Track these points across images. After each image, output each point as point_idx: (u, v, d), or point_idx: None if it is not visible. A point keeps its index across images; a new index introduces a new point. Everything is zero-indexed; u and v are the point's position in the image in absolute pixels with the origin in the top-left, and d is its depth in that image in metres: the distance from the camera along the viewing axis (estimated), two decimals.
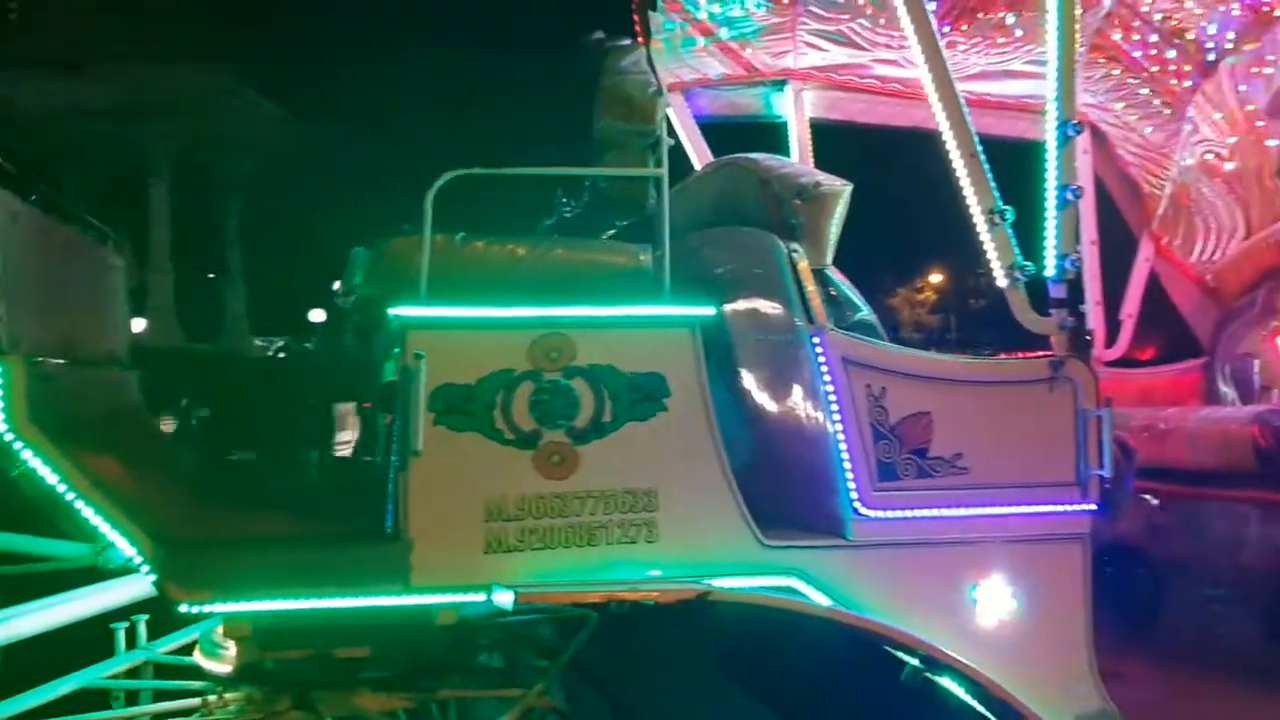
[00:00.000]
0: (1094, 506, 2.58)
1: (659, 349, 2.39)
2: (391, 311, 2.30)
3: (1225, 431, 3.21)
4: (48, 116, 16.04)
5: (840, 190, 2.56)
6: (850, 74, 4.03)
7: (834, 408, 2.45)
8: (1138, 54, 4.26)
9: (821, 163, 3.93)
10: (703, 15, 3.78)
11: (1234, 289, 4.19)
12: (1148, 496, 3.51)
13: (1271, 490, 3.11)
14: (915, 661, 2.50)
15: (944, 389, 2.54)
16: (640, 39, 3.68)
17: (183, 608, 2.21)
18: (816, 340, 2.46)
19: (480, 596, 2.28)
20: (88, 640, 3.04)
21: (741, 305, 2.64)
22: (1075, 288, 2.60)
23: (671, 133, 3.84)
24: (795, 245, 2.52)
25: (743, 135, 4.10)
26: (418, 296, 2.31)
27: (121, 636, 2.90)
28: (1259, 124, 4.19)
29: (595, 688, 3.22)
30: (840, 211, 2.58)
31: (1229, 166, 4.28)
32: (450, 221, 2.48)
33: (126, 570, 2.65)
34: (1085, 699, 2.58)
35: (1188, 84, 4.32)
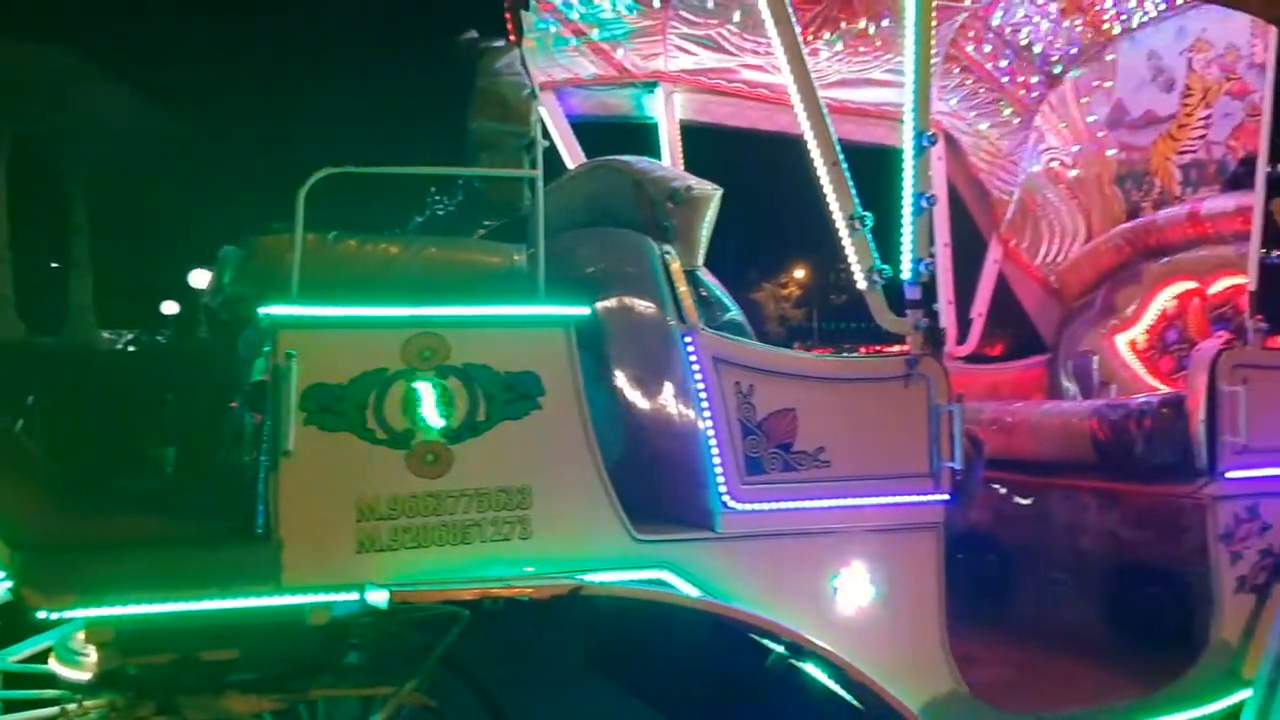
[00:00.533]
0: (946, 497, 2.72)
1: (533, 348, 2.42)
2: (262, 310, 2.28)
3: (1066, 424, 3.42)
4: None
5: (711, 194, 2.64)
6: (719, 78, 4.11)
7: (704, 405, 2.53)
8: (989, 65, 4.47)
9: (691, 164, 4.02)
10: (575, 16, 3.80)
11: (1075, 290, 4.45)
12: (997, 486, 3.71)
13: (1108, 480, 3.32)
14: (780, 649, 2.59)
15: (808, 386, 2.65)
16: (513, 38, 3.69)
17: (42, 614, 2.14)
18: (688, 339, 2.53)
19: (354, 596, 2.27)
20: None
21: (615, 305, 2.70)
22: (929, 289, 2.73)
23: (545, 132, 3.90)
24: (668, 247, 2.59)
25: (614, 135, 4.15)
26: (289, 295, 2.29)
27: None
28: (1099, 134, 4.46)
29: (469, 685, 3.24)
30: (711, 215, 2.65)
31: (1072, 174, 4.54)
32: (324, 220, 2.47)
33: None
34: (938, 679, 2.72)
35: (1035, 95, 4.56)
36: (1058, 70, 4.51)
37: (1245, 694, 3.01)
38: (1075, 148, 4.51)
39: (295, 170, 2.38)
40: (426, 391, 2.33)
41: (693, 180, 2.69)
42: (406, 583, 2.28)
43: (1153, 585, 3.21)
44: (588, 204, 2.95)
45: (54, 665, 2.55)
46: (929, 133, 2.69)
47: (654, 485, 2.64)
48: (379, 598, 2.21)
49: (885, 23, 4.09)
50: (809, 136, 2.67)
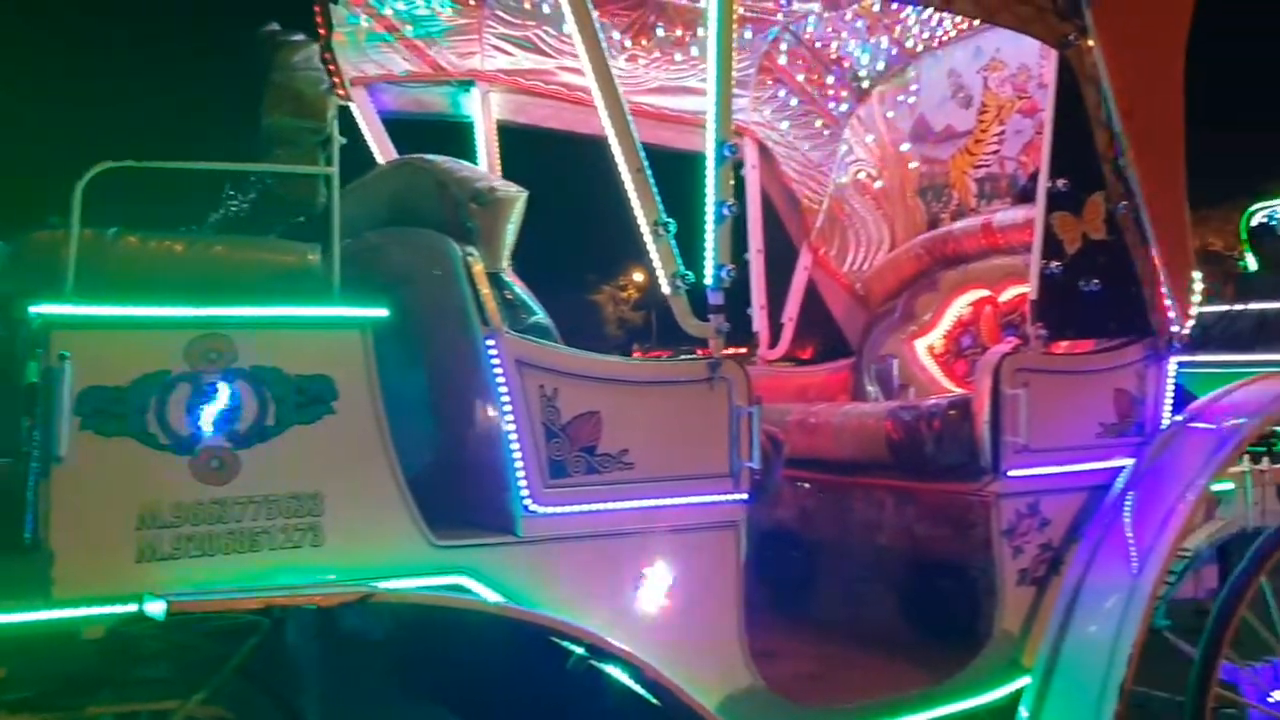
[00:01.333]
0: (745, 496, 2.79)
1: (327, 350, 2.36)
2: (33, 309, 2.15)
3: (864, 426, 3.55)
4: None
5: (516, 196, 2.64)
6: (536, 79, 4.11)
7: (507, 408, 2.52)
8: (801, 77, 4.62)
9: (519, 165, 4.00)
10: (388, 12, 3.74)
11: (879, 296, 4.63)
12: (803, 485, 3.84)
13: (902, 478, 3.47)
14: (580, 650, 2.61)
15: (612, 389, 2.67)
16: (321, 32, 3.60)
17: None
18: (490, 342, 2.52)
19: (131, 608, 2.17)
20: None
21: (416, 307, 2.66)
22: (730, 295, 2.79)
23: (354, 128, 3.82)
24: (471, 249, 2.57)
25: (429, 133, 4.09)
26: (63, 294, 2.17)
27: None
28: (903, 148, 4.66)
29: (269, 697, 3.14)
30: (516, 216, 2.65)
31: (878, 185, 4.72)
32: (111, 216, 2.36)
33: None
34: (736, 675, 2.78)
35: (844, 108, 4.73)
36: (865, 85, 4.69)
37: (1025, 681, 3.20)
38: (881, 160, 4.70)
39: (87, 161, 2.27)
40: (211, 395, 2.25)
41: (497, 181, 2.68)
42: (188, 592, 2.20)
43: (943, 579, 3.37)
44: (391, 203, 2.90)
45: None
46: (730, 143, 2.75)
47: (458, 490, 2.62)
48: (156, 608, 2.11)
49: (701, 32, 4.16)
50: (613, 142, 2.69)
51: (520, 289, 2.67)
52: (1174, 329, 3.48)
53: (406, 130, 3.98)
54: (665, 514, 2.70)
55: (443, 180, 2.70)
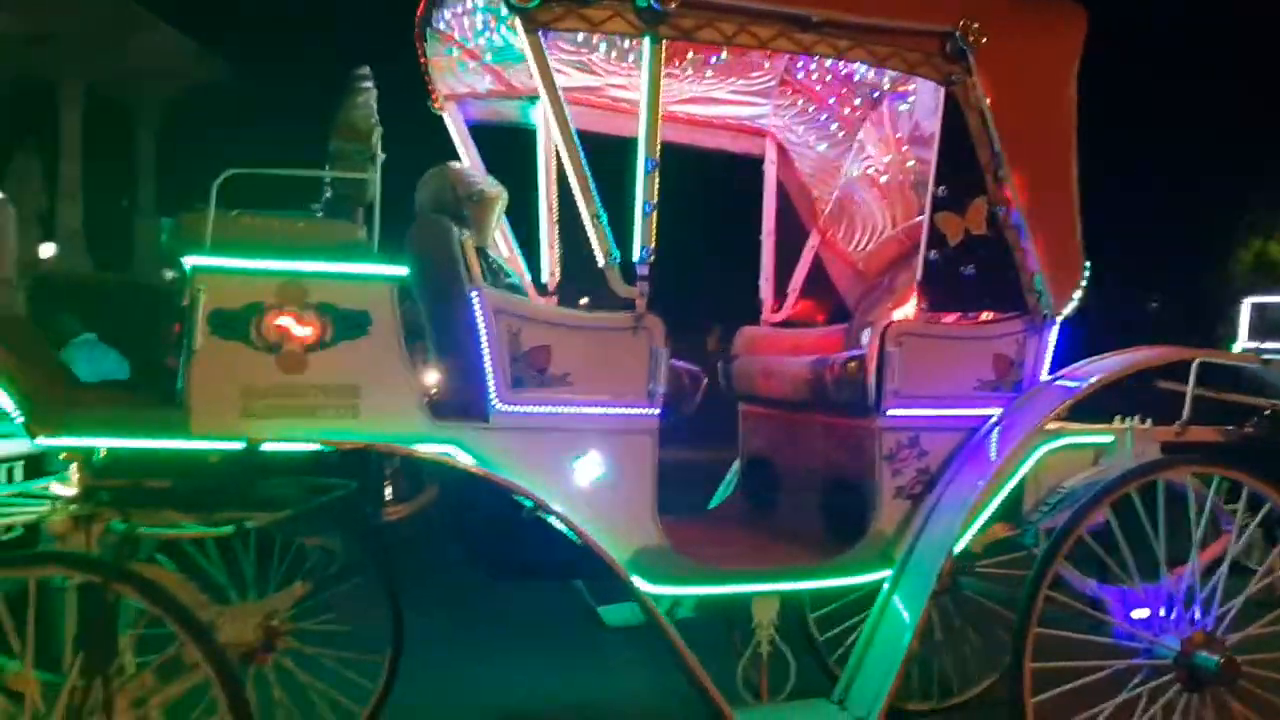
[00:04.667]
0: (657, 412, 3.93)
1: (366, 294, 3.62)
2: (184, 260, 3.55)
3: (797, 373, 4.60)
4: None
5: (496, 195, 3.88)
6: (589, 94, 5.27)
7: (484, 339, 3.76)
8: (819, 89, 5.59)
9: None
10: (472, 45, 4.97)
11: (874, 272, 5.57)
12: (764, 417, 4.93)
13: (818, 414, 4.52)
14: (530, 504, 3.84)
15: (562, 331, 3.86)
16: (421, 60, 4.90)
17: (39, 440, 3.45)
18: (474, 294, 3.77)
19: (238, 444, 3.55)
20: None
21: (432, 268, 3.94)
22: (652, 267, 3.90)
23: (446, 136, 5.09)
24: (466, 230, 3.83)
25: (506, 136, 5.34)
26: (202, 251, 3.54)
27: (3, 473, 4.11)
28: (904, 148, 5.55)
29: (358, 539, 4.54)
30: (499, 208, 3.89)
31: (883, 179, 5.64)
32: (250, 196, 3.72)
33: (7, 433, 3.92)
34: (647, 538, 3.92)
35: (858, 113, 5.67)
36: (876, 96, 5.62)
37: (888, 572, 4.21)
38: (886, 158, 5.61)
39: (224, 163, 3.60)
40: (291, 318, 3.59)
41: (486, 185, 3.92)
42: (269, 439, 3.55)
43: (841, 490, 4.41)
44: (431, 196, 4.19)
45: (55, 487, 3.87)
46: (653, 159, 3.85)
47: (453, 390, 3.90)
48: (243, 444, 3.48)
49: (724, 55, 5.21)
50: (563, 152, 3.85)
51: (502, 260, 3.91)
52: (1047, 311, 4.34)
53: (488, 135, 5.25)
54: (597, 418, 3.88)
55: (453, 182, 3.98)
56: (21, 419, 3.44)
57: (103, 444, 3.55)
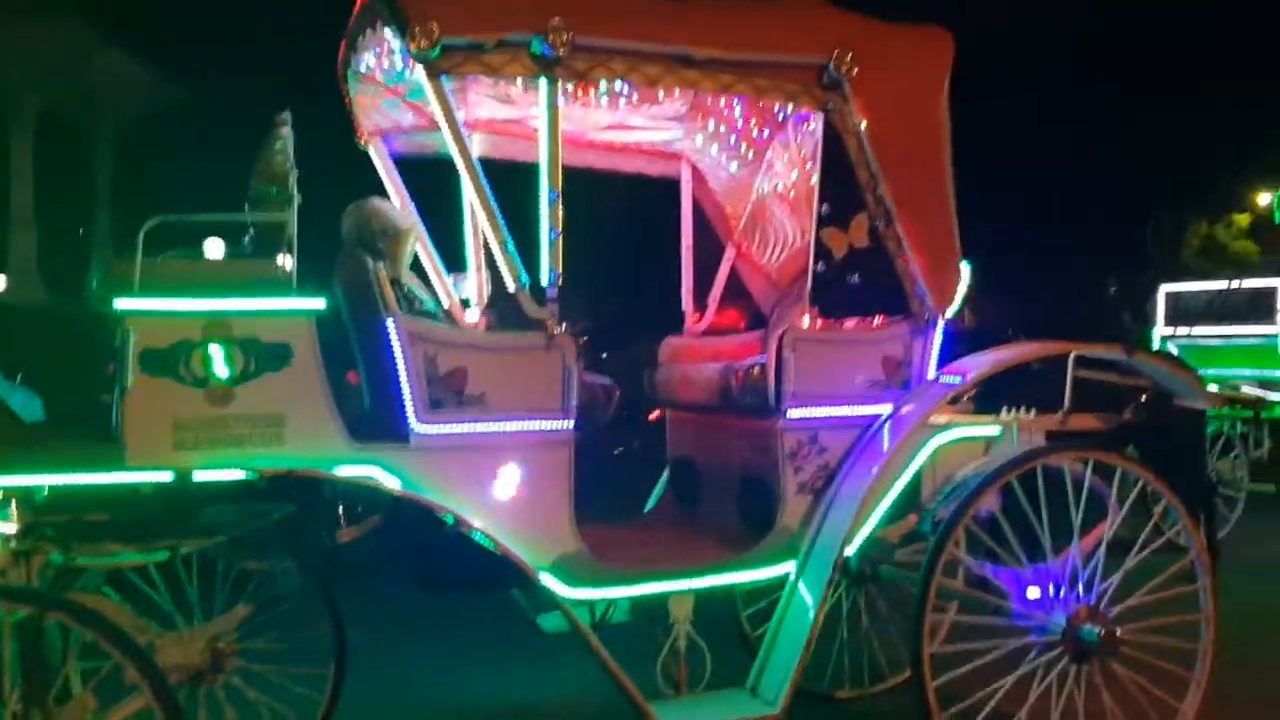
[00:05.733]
0: (571, 425, 4.21)
1: (287, 327, 3.88)
2: (115, 303, 3.79)
3: (709, 378, 4.90)
4: None
5: (409, 229, 4.16)
6: (509, 125, 5.54)
7: (400, 364, 4.03)
8: (727, 113, 5.88)
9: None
10: (392, 83, 5.22)
11: (786, 280, 5.88)
12: (682, 421, 5.22)
13: (727, 415, 4.82)
14: (450, 519, 4.10)
15: (476, 352, 4.13)
16: (346, 100, 5.16)
17: None
18: (390, 322, 4.03)
19: (167, 475, 3.80)
20: None
21: (353, 299, 4.20)
22: (560, 290, 4.18)
23: (372, 169, 5.35)
24: (381, 263, 4.10)
25: (430, 168, 5.59)
26: (131, 294, 3.78)
27: None
28: (808, 165, 5.86)
29: (292, 557, 4.78)
30: (411, 241, 4.16)
31: (791, 194, 5.95)
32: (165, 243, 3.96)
33: None
34: (565, 545, 4.18)
35: (766, 134, 5.97)
36: (781, 118, 5.92)
37: (794, 563, 4.51)
38: (794, 175, 5.91)
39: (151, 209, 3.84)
40: (217, 353, 3.83)
41: (399, 220, 4.21)
42: (199, 468, 3.80)
43: (749, 487, 4.71)
44: (351, 231, 4.46)
45: None
46: (555, 190, 4.12)
47: (373, 412, 4.16)
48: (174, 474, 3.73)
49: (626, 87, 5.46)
50: (473, 190, 4.13)
51: (417, 288, 4.18)
52: (929, 314, 4.67)
53: (412, 168, 5.50)
54: (514, 435, 4.15)
55: (369, 217, 4.25)
56: None
57: (40, 481, 3.78)
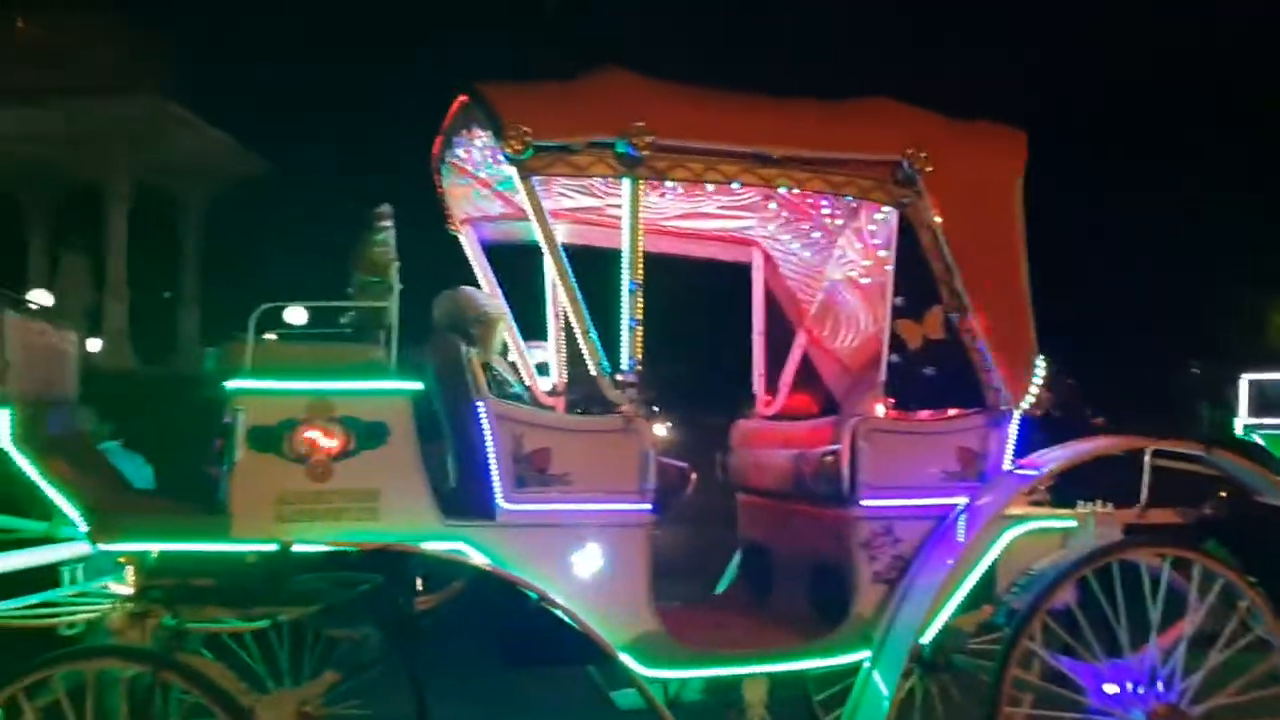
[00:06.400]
0: (649, 507, 4.34)
1: (386, 407, 4.11)
2: (226, 384, 4.04)
3: (782, 465, 5.01)
4: (9, 142, 17.48)
5: (499, 317, 4.37)
6: (591, 214, 5.77)
7: (489, 444, 4.21)
8: (800, 201, 6.06)
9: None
10: (483, 174, 5.49)
11: (859, 366, 5.99)
12: (755, 505, 5.33)
13: (804, 504, 4.91)
14: (534, 595, 4.24)
15: (560, 434, 4.31)
16: (439, 190, 5.43)
17: (101, 546, 3.92)
18: (481, 404, 4.23)
19: (272, 546, 4.00)
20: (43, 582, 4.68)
21: (445, 381, 4.41)
22: (641, 376, 4.35)
23: (463, 257, 5.60)
24: (472, 349, 4.31)
25: (518, 255, 5.83)
26: (242, 374, 4.03)
27: (67, 575, 4.57)
28: (880, 253, 6.00)
29: (380, 629, 4.95)
30: (501, 329, 4.38)
31: (864, 281, 6.09)
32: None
33: (70, 537, 4.41)
34: (643, 624, 4.30)
35: (839, 222, 6.13)
36: (854, 205, 6.08)
37: (869, 652, 4.56)
38: (866, 262, 6.06)
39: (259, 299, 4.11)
40: (319, 432, 4.06)
41: (490, 308, 4.43)
42: (299, 540, 4.00)
43: (824, 576, 4.79)
44: (444, 316, 4.70)
45: (113, 586, 4.34)
46: (635, 281, 4.32)
47: (461, 491, 4.34)
48: (277, 545, 3.93)
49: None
50: (559, 279, 4.33)
51: (505, 372, 4.38)
52: (1005, 405, 4.75)
53: (501, 254, 5.75)
54: (593, 514, 4.30)
55: (462, 305, 4.49)
56: (85, 528, 3.92)
57: (154, 548, 4.01)
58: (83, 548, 4.47)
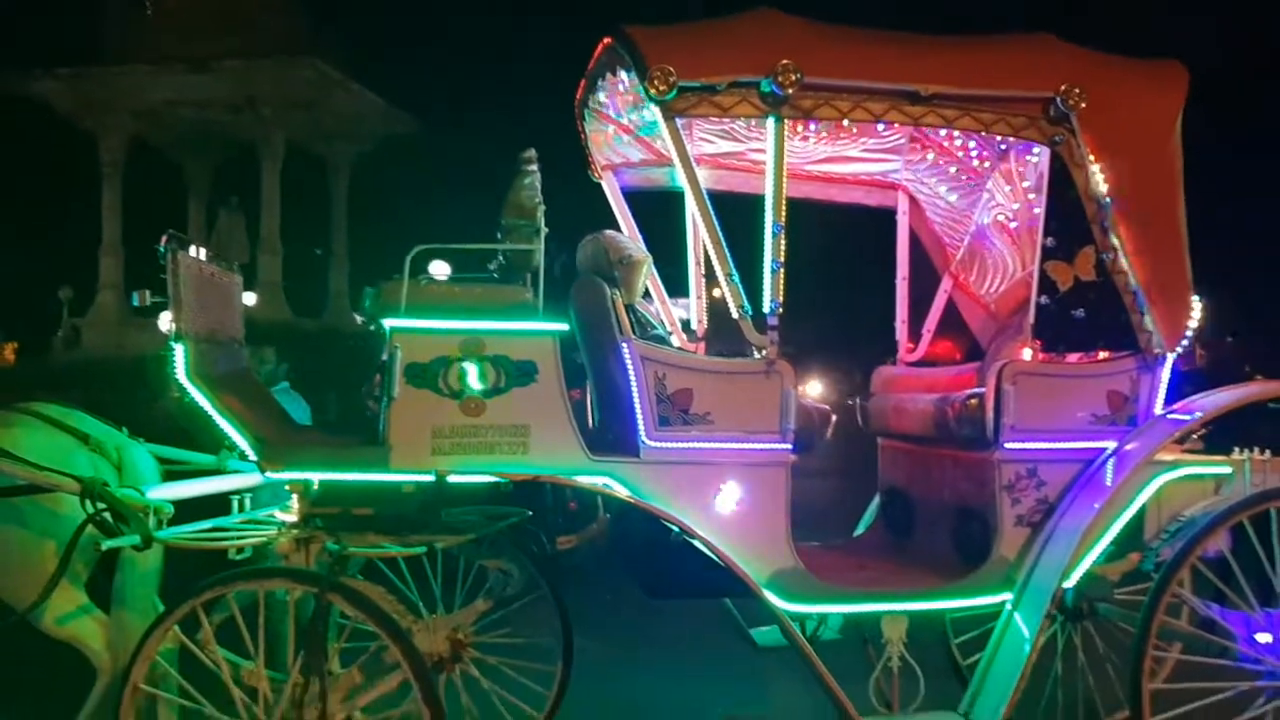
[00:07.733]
0: (790, 447, 4.38)
1: (534, 347, 4.23)
2: (385, 321, 4.24)
3: (923, 410, 4.98)
4: (175, 107, 18.45)
5: (642, 259, 4.45)
6: (732, 158, 5.79)
7: (633, 384, 4.31)
8: (947, 143, 5.95)
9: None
10: (624, 120, 5.56)
11: (1005, 313, 5.88)
12: (900, 451, 5.32)
13: (945, 447, 4.88)
14: (676, 529, 4.34)
15: (702, 375, 4.38)
16: (582, 136, 5.53)
17: (269, 474, 4.18)
18: (625, 345, 4.33)
19: (429, 476, 4.20)
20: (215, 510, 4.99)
21: (590, 322, 4.52)
22: (781, 318, 4.37)
23: (605, 204, 5.70)
24: (616, 290, 4.40)
25: (657, 200, 5.91)
26: (399, 313, 4.22)
27: (236, 503, 4.87)
28: (1030, 196, 5.86)
29: (533, 561, 5.16)
30: (645, 271, 4.45)
31: (1013, 225, 5.95)
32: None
33: (237, 470, 4.71)
34: (783, 561, 4.37)
35: (987, 164, 6.00)
36: (1004, 148, 5.94)
37: (1010, 594, 4.53)
38: (1015, 205, 5.92)
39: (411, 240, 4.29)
40: (471, 369, 4.22)
41: (634, 250, 4.50)
42: (454, 471, 4.18)
43: (965, 518, 4.76)
44: (588, 260, 4.80)
45: (278, 514, 4.61)
46: (779, 223, 4.34)
47: (607, 428, 4.46)
48: (433, 475, 4.12)
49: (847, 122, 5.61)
50: (701, 220, 4.38)
51: (648, 314, 4.47)
52: (1158, 349, 4.60)
53: (641, 200, 5.83)
54: (735, 453, 4.36)
55: (606, 248, 4.58)
56: (255, 458, 4.19)
57: (319, 477, 4.25)
58: (251, 479, 4.79)
